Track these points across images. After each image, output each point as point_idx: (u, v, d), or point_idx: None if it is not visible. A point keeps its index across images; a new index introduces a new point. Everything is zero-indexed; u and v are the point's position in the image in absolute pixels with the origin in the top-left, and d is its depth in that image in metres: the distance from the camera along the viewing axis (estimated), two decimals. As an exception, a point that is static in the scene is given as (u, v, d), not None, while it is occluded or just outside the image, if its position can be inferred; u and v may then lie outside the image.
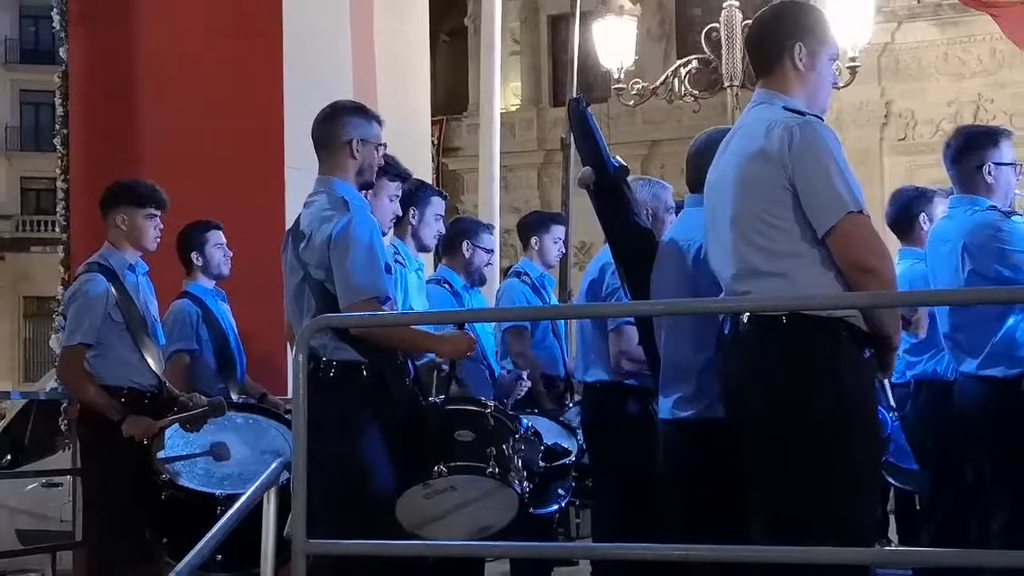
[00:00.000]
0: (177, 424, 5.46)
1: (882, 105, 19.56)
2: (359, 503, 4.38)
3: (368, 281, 4.47)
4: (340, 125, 4.71)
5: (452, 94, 26.31)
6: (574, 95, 5.26)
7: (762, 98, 4.02)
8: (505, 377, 6.65)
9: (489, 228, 7.07)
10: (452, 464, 4.44)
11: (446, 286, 6.50)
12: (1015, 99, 18.55)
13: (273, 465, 4.00)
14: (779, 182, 3.79)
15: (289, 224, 6.61)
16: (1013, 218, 5.11)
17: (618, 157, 4.74)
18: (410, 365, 4.70)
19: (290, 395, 6.22)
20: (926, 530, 5.84)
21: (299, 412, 3.67)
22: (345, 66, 8.03)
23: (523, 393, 6.52)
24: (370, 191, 4.93)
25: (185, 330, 6.25)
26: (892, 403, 6.18)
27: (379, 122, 4.79)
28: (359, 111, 4.80)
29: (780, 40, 4.00)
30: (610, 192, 4.68)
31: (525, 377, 6.57)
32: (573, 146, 15.44)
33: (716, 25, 11.74)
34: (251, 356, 6.58)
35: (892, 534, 7.77)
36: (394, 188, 5.32)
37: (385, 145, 4.83)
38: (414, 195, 5.83)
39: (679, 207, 5.40)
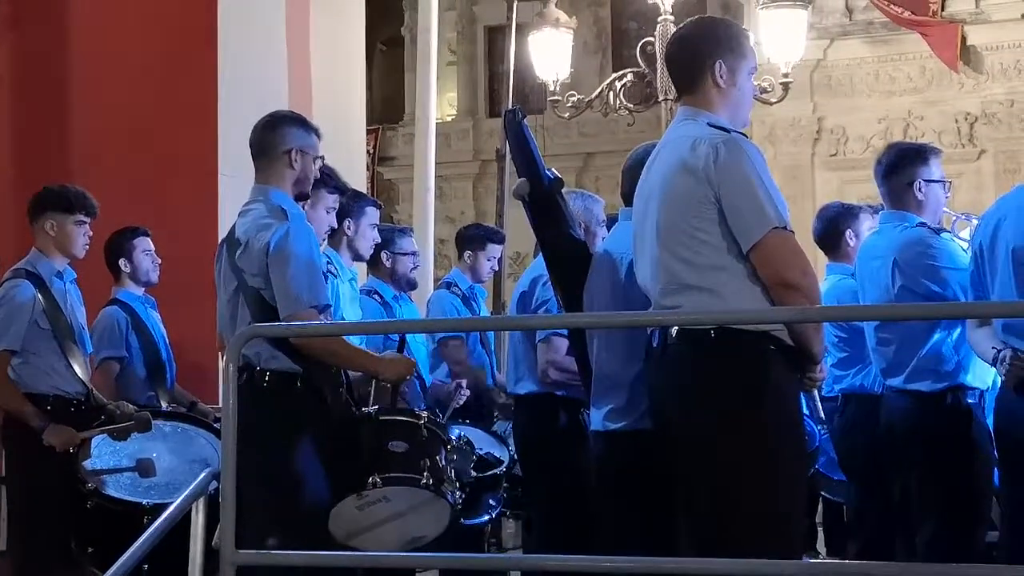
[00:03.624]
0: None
1: (814, 121, 19.73)
2: (290, 513, 4.36)
3: (308, 291, 4.46)
4: (279, 135, 4.70)
5: (388, 103, 26.24)
6: (510, 107, 5.26)
7: (686, 115, 4.06)
8: (441, 387, 6.65)
9: (406, 231, 7.06)
10: (386, 475, 4.42)
11: (376, 297, 6.48)
12: (944, 117, 18.77)
13: (202, 475, 3.98)
14: (705, 197, 3.82)
15: (222, 231, 6.60)
16: (942, 235, 5.18)
17: (553, 169, 4.75)
18: (343, 375, 4.68)
19: (220, 402, 6.23)
20: (853, 542, 5.89)
21: (228, 421, 3.65)
22: (280, 73, 8.00)
23: (462, 402, 6.52)
24: (307, 202, 4.92)
25: (114, 337, 6.19)
26: (822, 416, 6.24)
27: (318, 134, 4.79)
28: (298, 122, 4.79)
29: (700, 58, 4.04)
30: (545, 204, 4.69)
31: (464, 386, 6.57)
32: (508, 157, 15.47)
33: (651, 39, 11.78)
34: (181, 364, 6.52)
35: (820, 546, 7.84)
36: (332, 200, 5.32)
37: (323, 157, 4.82)
38: (349, 205, 5.81)
39: (612, 220, 5.43)
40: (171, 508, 3.84)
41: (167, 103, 7.36)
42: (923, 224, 5.12)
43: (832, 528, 7.47)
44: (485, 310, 7.90)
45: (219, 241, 4.90)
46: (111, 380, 6.11)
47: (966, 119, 19.06)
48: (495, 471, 5.73)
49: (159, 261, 6.40)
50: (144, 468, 5.29)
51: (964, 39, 18.79)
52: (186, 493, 3.87)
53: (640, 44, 12.03)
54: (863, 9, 19.44)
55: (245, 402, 3.81)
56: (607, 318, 4.38)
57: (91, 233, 5.75)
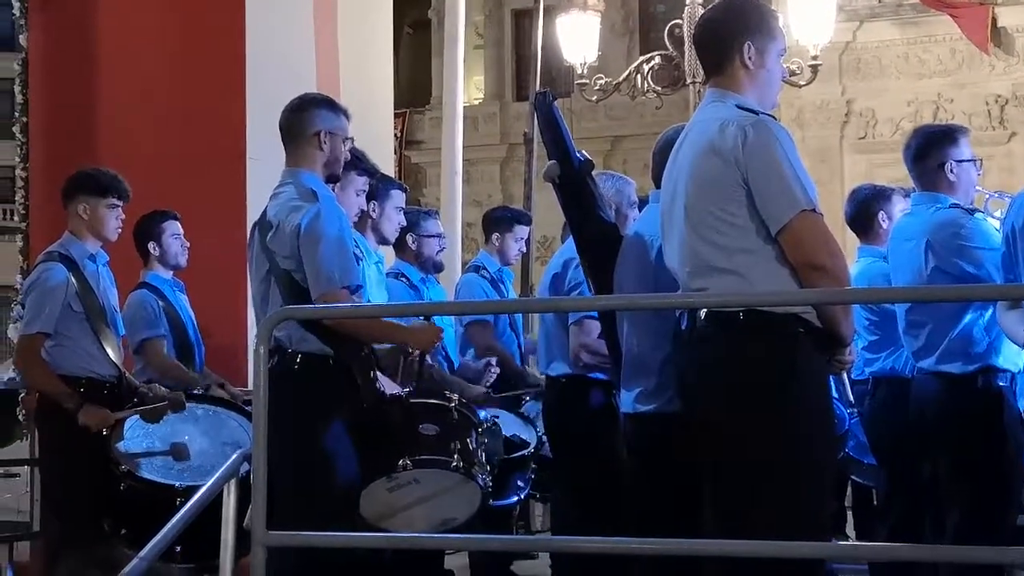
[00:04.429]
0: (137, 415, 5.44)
1: (843, 104, 19.64)
2: (321, 495, 4.38)
3: (339, 271, 4.48)
4: (308, 117, 4.73)
5: (415, 87, 26.25)
6: (539, 89, 5.26)
7: (714, 97, 4.04)
8: (470, 366, 6.66)
9: (431, 213, 7.06)
10: (417, 458, 4.44)
11: (403, 280, 6.49)
12: (974, 99, 18.68)
13: (233, 456, 3.99)
14: (734, 180, 3.81)
15: (250, 215, 6.61)
16: (976, 215, 5.14)
17: (583, 151, 4.75)
18: (374, 358, 4.70)
19: (250, 386, 6.25)
20: (882, 525, 5.88)
21: (259, 403, 3.67)
22: (308, 57, 8.00)
23: (492, 380, 6.54)
24: (336, 184, 4.94)
25: (150, 318, 6.21)
26: (851, 398, 6.22)
27: (347, 116, 4.81)
28: (327, 104, 4.82)
29: (729, 40, 4.02)
30: (575, 186, 4.69)
31: (495, 363, 6.59)
32: (537, 140, 15.46)
33: (679, 21, 11.75)
34: (209, 347, 6.55)
35: (849, 529, 7.83)
36: (361, 183, 5.34)
37: (352, 139, 4.84)
38: (374, 188, 5.83)
39: (643, 203, 5.43)
40: (203, 490, 3.86)
41: (195, 87, 7.36)
42: (956, 205, 5.09)
43: (861, 512, 7.46)
44: (513, 293, 7.90)
45: (247, 224, 4.92)
46: (162, 357, 6.14)
47: (996, 101, 18.96)
48: (523, 452, 5.74)
49: (188, 245, 6.42)
50: (178, 452, 5.33)
51: (995, 21, 18.70)
52: (218, 475, 3.88)
53: (668, 27, 12.00)
54: (892, -9, 19.37)
55: (276, 384, 3.83)
56: (636, 300, 4.37)
57: (123, 216, 5.78)
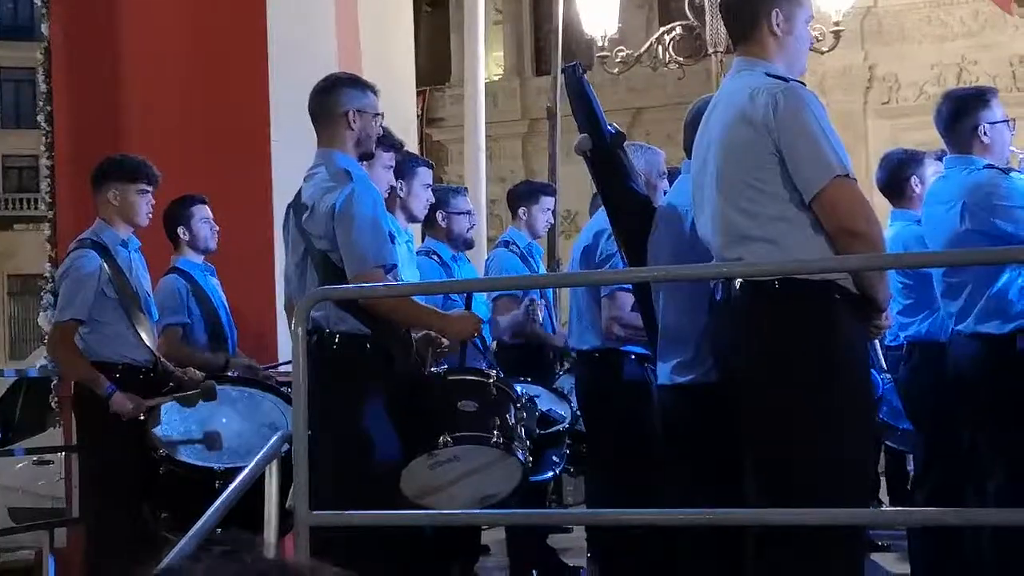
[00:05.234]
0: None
1: (865, 69, 19.55)
2: (362, 474, 4.39)
3: (374, 251, 4.48)
4: (335, 97, 4.73)
5: (434, 64, 26.20)
6: (564, 63, 5.23)
7: (742, 65, 4.02)
8: (519, 314, 6.71)
9: (460, 191, 7.07)
10: (457, 434, 4.45)
11: (435, 258, 6.49)
12: (998, 62, 18.55)
13: (275, 438, 4.00)
14: (765, 148, 3.79)
15: (276, 197, 6.60)
16: (1011, 174, 5.11)
17: (614, 124, 4.73)
18: (411, 337, 4.71)
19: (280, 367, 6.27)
20: (921, 491, 5.86)
21: (299, 383, 3.68)
22: (329, 37, 7.98)
23: (541, 318, 6.58)
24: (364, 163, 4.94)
25: (176, 304, 6.23)
26: (883, 365, 6.20)
27: (374, 92, 4.81)
28: (354, 82, 4.82)
29: (756, 6, 3.99)
30: (607, 159, 4.67)
31: (537, 299, 6.63)
32: (559, 114, 15.41)
33: (700, -9, 11.67)
34: (241, 330, 6.56)
35: (883, 495, 7.82)
36: (388, 158, 5.33)
37: (382, 115, 4.83)
38: (400, 166, 5.82)
39: (672, 174, 5.41)
40: (245, 472, 3.86)
41: (218, 70, 7.36)
42: (990, 165, 5.06)
43: (894, 478, 7.45)
44: (543, 268, 7.90)
45: (273, 206, 4.92)
46: (176, 346, 6.15)
47: (1021, 62, 18.82)
48: (558, 427, 5.74)
49: (217, 228, 6.43)
50: (211, 441, 5.34)
51: (1018, -20, 18.53)
52: (259, 456, 3.89)
53: (689, -5, 11.92)
54: (914, -47, 19.24)
55: (315, 364, 3.83)
56: (672, 271, 4.36)
57: (154, 201, 5.79)
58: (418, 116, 20.57)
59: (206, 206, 6.42)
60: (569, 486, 9.74)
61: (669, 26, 12.38)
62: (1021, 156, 5.50)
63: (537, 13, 25.93)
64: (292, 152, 6.61)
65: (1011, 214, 4.96)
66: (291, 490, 3.82)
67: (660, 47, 12.25)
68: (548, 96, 16.18)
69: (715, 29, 11.55)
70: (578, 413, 5.97)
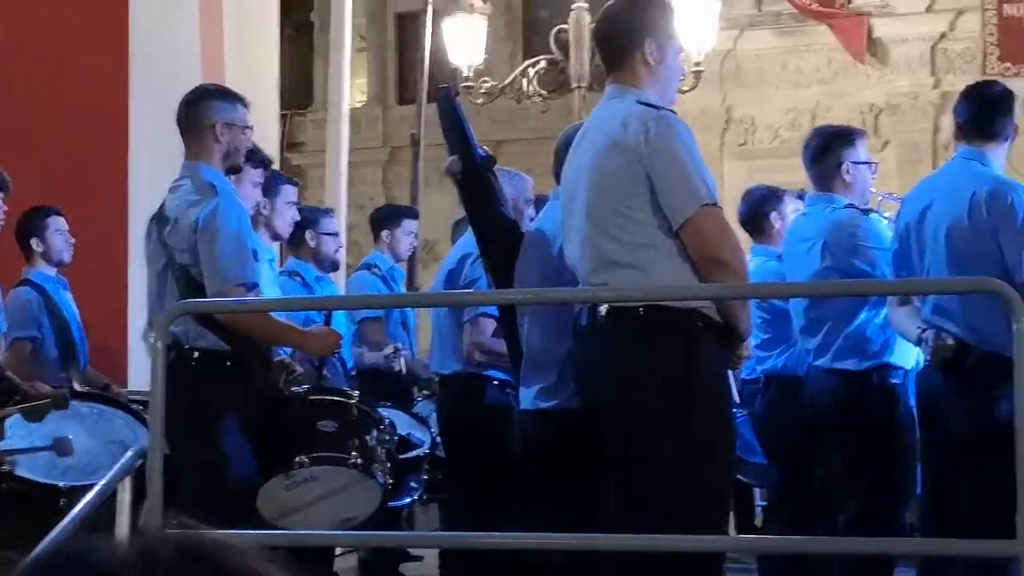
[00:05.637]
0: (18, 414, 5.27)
1: (723, 111, 19.91)
2: (218, 492, 4.30)
3: (236, 268, 4.40)
4: (203, 109, 4.64)
5: (297, 89, 26.00)
6: (440, 85, 5.22)
7: (614, 93, 4.05)
8: (376, 355, 6.64)
9: (328, 212, 7.09)
10: (314, 454, 4.38)
11: (297, 279, 6.42)
12: (850, 108, 18.99)
13: (129, 452, 3.90)
14: (636, 174, 3.81)
15: (132, 210, 6.47)
16: (870, 215, 5.24)
17: (485, 147, 4.72)
18: (273, 351, 4.63)
19: (131, 385, 6.13)
20: (774, 523, 5.94)
21: (156, 398, 3.59)
22: (193, 57, 7.89)
23: (400, 367, 6.53)
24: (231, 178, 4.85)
25: (26, 318, 6.06)
26: (738, 399, 6.28)
27: (244, 105, 4.72)
28: (223, 94, 4.75)
29: (630, 35, 4.03)
30: (477, 181, 4.66)
31: (401, 347, 6.57)
32: (423, 143, 15.40)
33: (565, 26, 11.79)
34: (93, 345, 6.40)
35: (731, 529, 7.90)
36: (256, 175, 5.25)
37: (251, 128, 4.75)
38: (265, 184, 5.74)
39: (537, 201, 5.44)
40: (97, 488, 3.75)
41: (78, 82, 7.21)
42: (851, 205, 5.18)
43: (741, 511, 7.54)
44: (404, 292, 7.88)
45: (129, 219, 4.81)
46: (23, 361, 5.97)
47: (871, 110, 19.36)
48: (417, 453, 5.69)
49: (72, 241, 6.27)
50: (61, 446, 5.16)
51: (871, 31, 19.07)
52: (112, 472, 3.79)
53: (554, 31, 12.03)
54: (772, 0, 19.65)
55: (172, 380, 3.75)
56: (538, 294, 4.37)
57: (6, 208, 5.62)
58: (279, 140, 20.39)
59: (61, 218, 6.26)
60: (421, 515, 9.65)
61: (534, 59, 12.47)
62: (880, 198, 5.63)
63: (401, 42, 25.93)
64: (150, 166, 6.50)
65: (868, 254, 5.09)
66: (144, 507, 3.72)
67: (524, 80, 12.33)
68: (412, 124, 16.20)
69: (579, 64, 11.67)
70: (436, 440, 5.93)
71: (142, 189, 6.40)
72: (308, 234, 6.47)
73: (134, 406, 5.42)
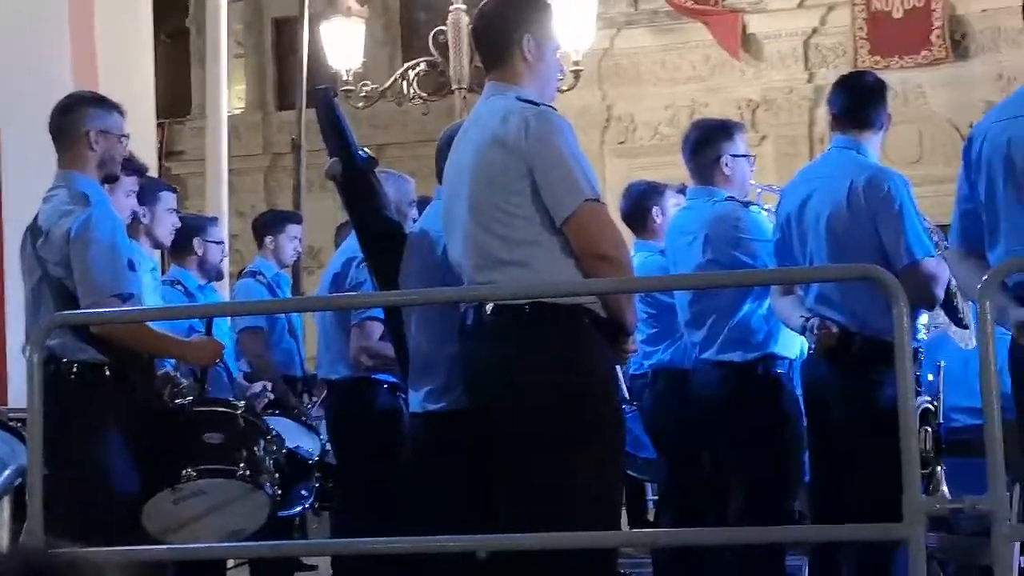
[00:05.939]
0: None
1: (603, 109, 20.01)
2: (101, 509, 4.21)
3: (110, 279, 4.31)
4: (76, 117, 4.54)
5: (173, 97, 25.61)
6: (319, 85, 5.16)
7: (494, 90, 4.04)
8: (244, 386, 6.53)
9: (215, 220, 7.01)
10: (201, 467, 4.30)
11: (179, 287, 6.33)
12: (727, 103, 19.19)
13: (7, 471, 3.79)
14: (517, 171, 3.81)
15: (6, 221, 6.31)
16: (751, 208, 5.30)
17: (366, 148, 4.68)
18: (155, 365, 4.55)
19: (11, 402, 5.97)
20: (665, 516, 5.98)
21: (35, 413, 3.50)
22: (64, 64, 7.71)
23: (266, 403, 6.42)
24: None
25: None
26: (626, 395, 6.32)
27: (120, 112, 4.63)
28: (98, 102, 4.64)
29: (508, 32, 4.03)
30: (359, 183, 4.61)
31: (269, 388, 6.47)
32: (304, 148, 15.26)
33: (443, 28, 11.78)
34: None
35: (623, 525, 7.94)
36: (131, 183, 5.14)
37: (128, 136, 4.65)
38: (143, 191, 5.64)
39: (419, 202, 5.41)
40: (-26, 508, 3.64)
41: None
42: (731, 198, 5.23)
43: (633, 507, 7.59)
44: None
45: (4, 231, 4.69)
46: None
47: (748, 105, 19.59)
48: (307, 460, 5.62)
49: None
50: None
51: (744, 28, 19.32)
52: (-11, 492, 3.68)
53: (433, 33, 12.02)
54: (648, -2, 19.83)
55: (52, 395, 3.66)
56: (422, 294, 4.34)
57: None
58: (157, 148, 20.08)
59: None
60: (314, 524, 9.56)
61: (413, 62, 12.44)
62: (760, 191, 5.71)
63: (279, 47, 25.68)
64: (19, 177, 6.34)
65: (749, 247, 5.16)
66: (24, 526, 3.62)
67: (404, 82, 12.30)
68: (292, 130, 16.06)
69: (459, 65, 11.67)
70: (327, 447, 5.87)
71: (14, 200, 6.24)
72: (196, 242, 6.39)
73: (14, 424, 5.29)
